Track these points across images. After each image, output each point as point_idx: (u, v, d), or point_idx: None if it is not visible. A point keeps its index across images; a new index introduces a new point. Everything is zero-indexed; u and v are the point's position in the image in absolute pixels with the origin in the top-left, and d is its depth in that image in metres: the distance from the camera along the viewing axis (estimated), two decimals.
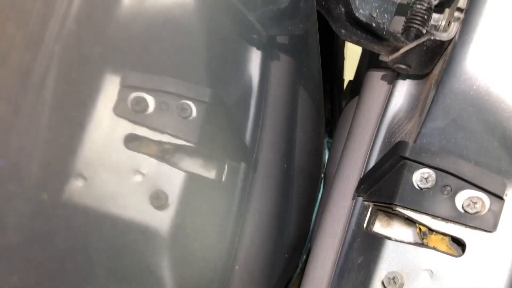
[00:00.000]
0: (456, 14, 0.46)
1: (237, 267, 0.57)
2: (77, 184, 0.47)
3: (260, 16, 0.49)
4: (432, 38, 0.46)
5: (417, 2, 0.52)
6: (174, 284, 0.50)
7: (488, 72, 0.43)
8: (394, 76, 0.56)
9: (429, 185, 0.45)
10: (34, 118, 0.44)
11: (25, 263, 0.47)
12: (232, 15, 0.49)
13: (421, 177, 0.46)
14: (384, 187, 0.49)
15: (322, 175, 0.83)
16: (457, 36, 0.45)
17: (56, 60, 0.44)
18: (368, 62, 0.70)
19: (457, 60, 0.44)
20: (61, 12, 0.43)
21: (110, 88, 0.47)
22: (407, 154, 0.46)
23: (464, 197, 0.44)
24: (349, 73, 1.04)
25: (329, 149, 0.87)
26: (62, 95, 0.45)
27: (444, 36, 0.45)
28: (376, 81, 0.59)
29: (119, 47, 0.47)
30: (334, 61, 0.86)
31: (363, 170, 0.55)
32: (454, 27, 0.45)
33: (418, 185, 0.46)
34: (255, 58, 0.54)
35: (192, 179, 0.51)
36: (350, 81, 1.05)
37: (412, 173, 0.46)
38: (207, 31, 0.48)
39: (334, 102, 0.94)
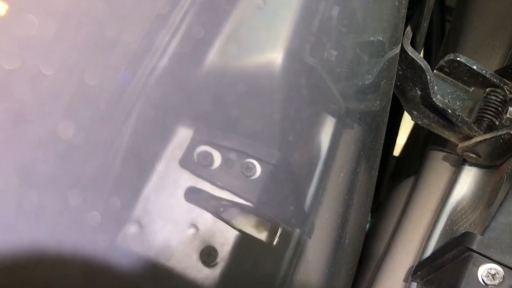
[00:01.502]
0: None
1: None
2: (132, 230, 0.46)
3: (343, 88, 0.49)
4: (511, 132, 0.45)
5: (492, 93, 0.52)
6: None
7: None
8: (459, 160, 0.55)
9: (496, 282, 0.43)
10: (107, 156, 0.44)
11: None
12: (315, 84, 0.49)
13: (487, 272, 0.44)
14: (444, 277, 0.47)
15: None
16: None
17: (138, 103, 0.44)
18: (428, 141, 0.69)
19: None
20: (152, 61, 0.44)
21: (180, 140, 0.47)
22: (474, 247, 0.44)
23: None
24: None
25: (370, 226, 0.85)
26: (136, 139, 0.45)
27: None
28: (439, 163, 0.58)
29: (198, 101, 0.47)
30: (391, 137, 0.85)
31: (419, 255, 0.53)
32: None
33: (483, 281, 0.44)
34: (328, 127, 0.54)
35: (243, 239, 0.50)
36: (395, 157, 1.04)
37: (478, 266, 0.44)
38: (287, 97, 0.48)
39: (381, 178, 0.93)
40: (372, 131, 0.61)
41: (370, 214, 0.93)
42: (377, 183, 0.83)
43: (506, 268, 0.43)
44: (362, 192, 0.66)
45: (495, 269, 0.44)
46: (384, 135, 0.61)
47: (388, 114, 0.57)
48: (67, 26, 0.40)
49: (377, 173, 0.69)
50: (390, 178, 1.02)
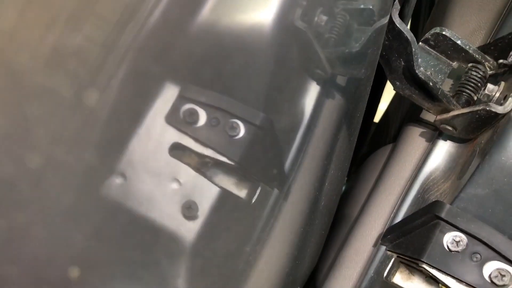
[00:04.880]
0: None
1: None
2: (116, 182, 0.48)
3: (330, 55, 0.50)
4: (487, 108, 0.47)
5: (473, 69, 0.54)
6: None
7: None
8: (434, 134, 0.57)
9: (459, 248, 0.46)
10: (93, 113, 0.45)
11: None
12: (303, 48, 0.50)
13: (452, 239, 0.46)
14: (412, 242, 0.49)
15: None
16: None
17: (125, 63, 0.45)
18: (406, 114, 0.71)
19: (509, 135, 0.45)
20: (139, 21, 0.44)
21: (167, 97, 0.48)
22: (442, 215, 0.47)
23: (492, 268, 0.45)
24: None
25: (346, 188, 0.87)
26: (122, 96, 0.46)
27: (500, 109, 0.46)
28: (415, 136, 0.60)
29: (185, 60, 0.48)
30: (373, 104, 0.87)
31: (390, 220, 0.56)
32: (511, 103, 0.46)
33: (448, 247, 0.46)
34: (312, 92, 0.55)
35: (223, 196, 0.52)
36: (374, 123, 1.06)
37: (444, 234, 0.47)
38: (275, 60, 0.49)
39: (360, 143, 0.95)
40: (355, 99, 0.62)
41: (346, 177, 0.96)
42: (356, 148, 0.85)
43: (469, 237, 0.46)
44: (340, 157, 0.68)
45: (459, 237, 0.46)
46: (366, 103, 0.63)
47: (371, 83, 0.58)
48: None
49: (356, 139, 0.71)
50: (368, 144, 1.04)
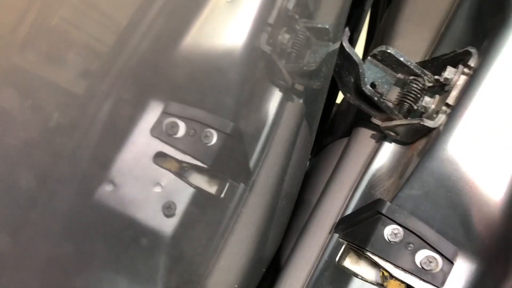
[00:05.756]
0: (444, 108, 0.56)
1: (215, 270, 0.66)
2: (107, 189, 0.55)
3: (291, 69, 0.58)
4: (421, 123, 0.56)
5: (414, 81, 0.63)
6: (165, 280, 0.59)
7: (462, 162, 0.54)
8: (381, 136, 0.66)
9: (397, 239, 0.56)
10: (86, 126, 0.51)
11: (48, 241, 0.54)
12: (268, 66, 0.58)
13: (391, 232, 0.56)
14: (359, 233, 0.59)
15: None
16: (442, 126, 0.55)
17: (115, 85, 0.51)
18: (357, 115, 0.79)
19: (439, 146, 0.54)
20: (128, 47, 0.51)
21: (152, 112, 0.55)
22: (383, 211, 0.56)
23: (423, 255, 0.55)
24: None
25: (307, 173, 0.96)
26: (113, 112, 0.53)
27: (431, 124, 0.55)
28: (365, 136, 0.69)
29: (167, 81, 0.55)
30: (329, 105, 0.96)
31: (342, 210, 0.65)
32: (441, 119, 0.55)
33: (388, 238, 0.56)
34: (275, 99, 0.63)
35: (197, 194, 0.60)
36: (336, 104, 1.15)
37: (385, 227, 0.56)
38: (243, 77, 0.57)
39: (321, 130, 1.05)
40: (313, 102, 0.71)
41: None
42: (316, 135, 0.94)
43: (405, 230, 0.55)
44: (301, 151, 0.76)
45: (397, 230, 0.56)
46: (323, 103, 0.71)
47: (327, 90, 0.67)
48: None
49: (315, 133, 0.80)
50: (330, 124, 1.13)
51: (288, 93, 0.65)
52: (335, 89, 1.01)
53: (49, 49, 0.50)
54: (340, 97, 1.14)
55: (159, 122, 0.56)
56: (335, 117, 1.11)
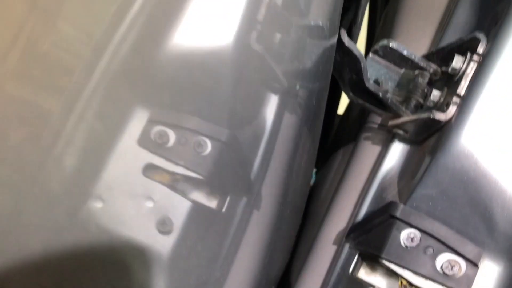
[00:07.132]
0: (455, 99, 0.51)
1: None
2: (95, 206, 0.51)
3: (285, 69, 0.54)
4: (431, 116, 0.51)
5: (419, 75, 0.58)
6: None
7: (478, 154, 0.49)
8: (390, 136, 0.62)
9: (414, 244, 0.51)
10: (70, 139, 0.48)
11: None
12: (261, 66, 0.54)
13: (407, 236, 0.51)
14: (372, 240, 0.54)
15: None
16: (454, 118, 0.51)
17: (98, 91, 0.48)
18: (361, 118, 0.75)
19: (452, 140, 0.50)
20: (110, 51, 0.47)
21: (138, 121, 0.51)
22: (397, 214, 0.51)
23: (443, 259, 0.50)
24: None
25: (315, 183, 0.92)
26: (95, 123, 0.49)
27: (442, 117, 0.51)
28: (372, 139, 0.64)
29: (154, 86, 0.51)
30: (332, 107, 0.92)
31: (353, 218, 0.60)
32: (453, 110, 0.51)
33: (404, 243, 0.51)
34: (272, 104, 0.59)
35: (195, 208, 0.55)
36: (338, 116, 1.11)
37: (400, 231, 0.51)
38: (235, 80, 0.53)
39: (326, 136, 1.00)
40: (313, 105, 0.67)
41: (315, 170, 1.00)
42: (322, 141, 0.90)
43: (422, 233, 0.50)
44: (304, 159, 0.72)
45: (413, 233, 0.51)
46: (324, 109, 0.67)
47: (327, 91, 0.63)
48: None
49: (318, 140, 0.75)
50: (334, 136, 1.09)
51: (285, 96, 0.61)
52: (336, 91, 0.97)
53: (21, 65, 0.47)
54: (342, 99, 1.10)
55: (146, 131, 0.52)
56: (339, 126, 1.07)
